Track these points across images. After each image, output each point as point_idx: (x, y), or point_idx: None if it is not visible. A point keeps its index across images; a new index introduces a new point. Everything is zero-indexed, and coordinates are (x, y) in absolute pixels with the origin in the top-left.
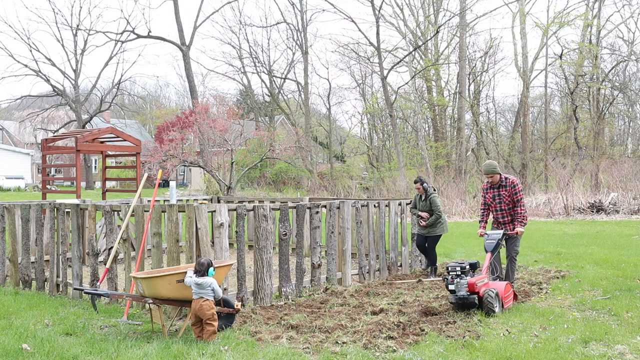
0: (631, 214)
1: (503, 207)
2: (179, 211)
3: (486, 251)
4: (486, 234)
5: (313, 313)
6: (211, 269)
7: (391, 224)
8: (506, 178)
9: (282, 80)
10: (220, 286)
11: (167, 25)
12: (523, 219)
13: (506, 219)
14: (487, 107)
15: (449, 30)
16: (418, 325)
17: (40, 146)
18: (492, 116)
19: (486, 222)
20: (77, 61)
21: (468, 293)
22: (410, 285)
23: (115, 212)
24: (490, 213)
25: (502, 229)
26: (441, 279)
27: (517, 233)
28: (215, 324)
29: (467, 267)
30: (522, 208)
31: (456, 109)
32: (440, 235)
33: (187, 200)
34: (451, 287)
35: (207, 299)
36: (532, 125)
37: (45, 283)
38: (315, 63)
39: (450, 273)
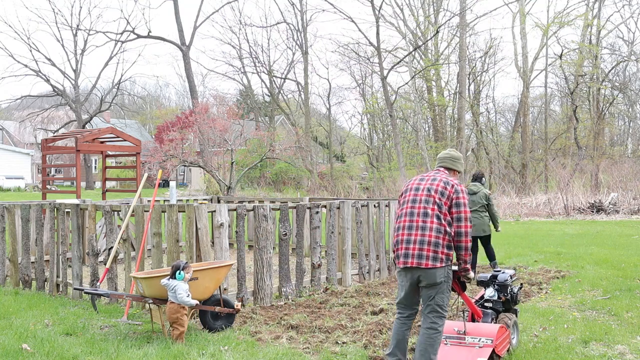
0: (631, 214)
1: None
2: (179, 211)
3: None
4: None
5: (313, 313)
6: (177, 272)
7: (391, 224)
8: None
9: (282, 80)
10: (220, 286)
11: (167, 25)
12: None
13: None
14: (487, 107)
15: (449, 30)
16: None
17: (40, 146)
18: (492, 116)
19: None
20: (77, 61)
21: None
22: None
23: (115, 212)
24: None
25: None
26: None
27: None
28: (181, 328)
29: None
30: None
31: (456, 109)
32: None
33: (187, 200)
34: None
35: (173, 302)
36: (532, 125)
37: (45, 283)
38: (315, 63)
39: None
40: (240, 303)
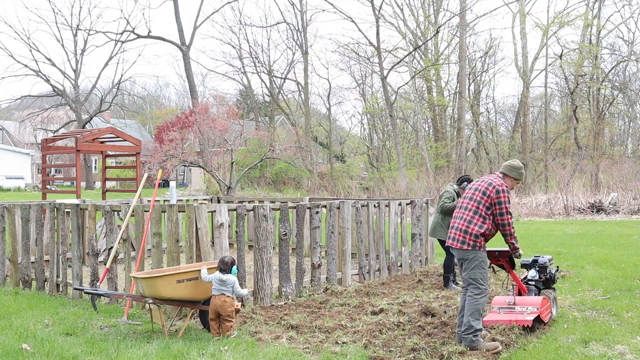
0: (631, 214)
1: None
2: (179, 211)
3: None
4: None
5: (313, 313)
6: (234, 267)
7: (391, 224)
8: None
9: (282, 80)
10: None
11: (167, 25)
12: None
13: None
14: (487, 107)
15: (449, 30)
16: (418, 325)
17: (40, 146)
18: (492, 116)
19: None
20: (77, 61)
21: None
22: (410, 285)
23: (115, 212)
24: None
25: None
26: None
27: None
28: (234, 320)
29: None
30: None
31: (456, 109)
32: None
33: (187, 200)
34: None
35: (229, 296)
36: (532, 125)
37: (45, 283)
38: (315, 63)
39: None
40: (240, 303)
